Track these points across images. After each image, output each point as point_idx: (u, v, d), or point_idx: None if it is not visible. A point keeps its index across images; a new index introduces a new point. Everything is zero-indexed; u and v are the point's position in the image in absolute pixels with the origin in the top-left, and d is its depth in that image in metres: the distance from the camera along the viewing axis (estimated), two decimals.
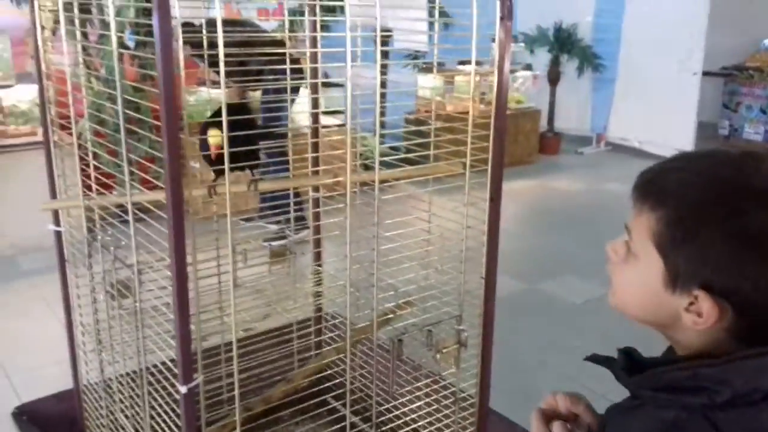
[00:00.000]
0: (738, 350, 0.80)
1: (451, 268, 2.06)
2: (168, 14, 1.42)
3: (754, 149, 0.82)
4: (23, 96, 4.93)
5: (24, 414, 2.38)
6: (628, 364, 0.89)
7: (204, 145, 1.79)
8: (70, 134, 2.01)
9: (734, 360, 0.78)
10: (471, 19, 1.77)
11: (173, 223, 1.43)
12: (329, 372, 2.43)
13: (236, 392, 1.74)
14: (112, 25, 1.64)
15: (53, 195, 2.17)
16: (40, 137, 2.50)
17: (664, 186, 0.83)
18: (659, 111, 7.62)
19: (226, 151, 1.62)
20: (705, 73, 7.73)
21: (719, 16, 7.25)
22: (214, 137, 1.76)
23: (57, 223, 2.18)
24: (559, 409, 0.99)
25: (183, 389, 1.54)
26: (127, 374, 2.01)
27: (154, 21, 1.40)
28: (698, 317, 0.80)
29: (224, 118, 1.59)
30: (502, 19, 1.78)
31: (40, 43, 2.09)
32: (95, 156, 2.01)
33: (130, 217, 1.72)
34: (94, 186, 1.99)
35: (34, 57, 2.14)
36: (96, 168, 1.98)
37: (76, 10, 1.94)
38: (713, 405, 0.77)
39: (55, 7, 1.98)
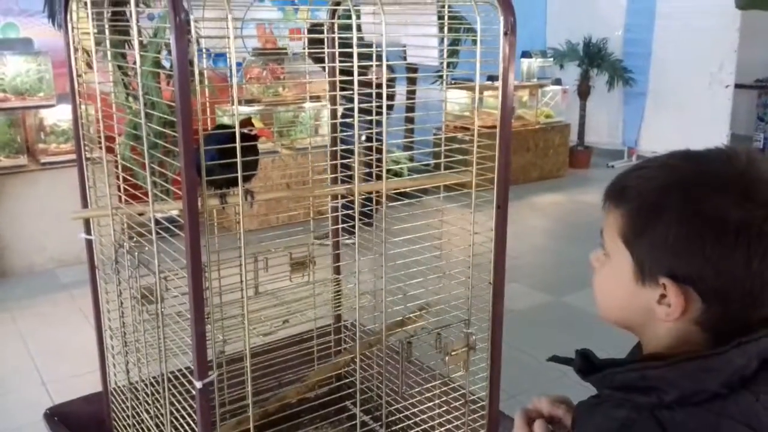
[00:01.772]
0: (701, 347, 0.82)
1: (461, 273, 2.12)
2: (184, 34, 1.52)
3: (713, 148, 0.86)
4: (64, 115, 5.06)
5: (55, 415, 2.48)
6: (584, 366, 0.93)
7: (207, 157, 1.83)
8: (105, 150, 2.14)
9: (679, 361, 0.81)
10: (493, 35, 1.85)
11: (189, 224, 1.53)
12: (343, 372, 2.50)
13: (248, 389, 1.82)
14: (136, 47, 1.76)
15: (85, 206, 2.29)
16: None
17: (626, 184, 0.88)
18: (691, 124, 7.56)
19: (239, 160, 1.71)
20: (738, 86, 7.66)
21: (752, 29, 7.20)
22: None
23: (88, 231, 2.30)
24: (543, 412, 1.04)
25: (198, 384, 1.63)
26: (153, 377, 2.10)
27: (171, 40, 1.51)
28: (669, 308, 0.82)
29: (237, 129, 1.69)
30: (505, 33, 1.85)
31: (73, 63, 2.23)
32: (131, 170, 2.13)
33: (152, 225, 1.82)
34: (123, 197, 2.11)
35: (68, 77, 2.27)
36: (126, 180, 2.09)
37: (107, 32, 2.06)
38: (661, 404, 0.80)
39: (89, 30, 2.10)
